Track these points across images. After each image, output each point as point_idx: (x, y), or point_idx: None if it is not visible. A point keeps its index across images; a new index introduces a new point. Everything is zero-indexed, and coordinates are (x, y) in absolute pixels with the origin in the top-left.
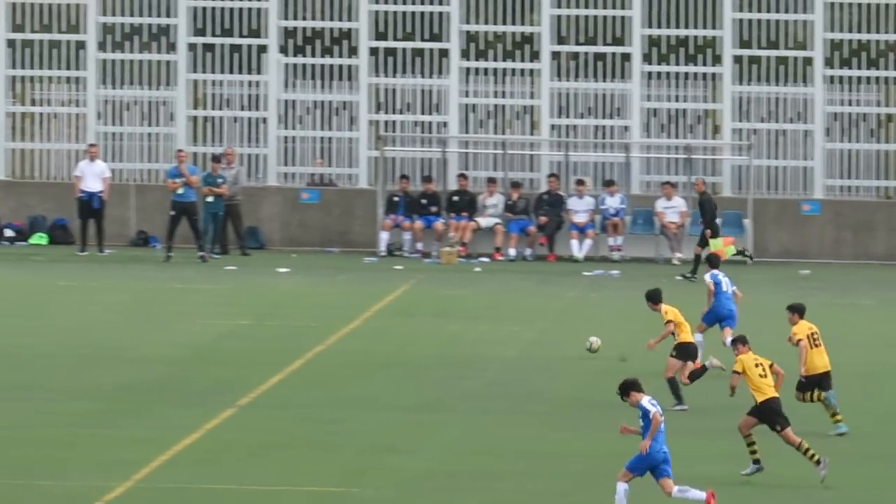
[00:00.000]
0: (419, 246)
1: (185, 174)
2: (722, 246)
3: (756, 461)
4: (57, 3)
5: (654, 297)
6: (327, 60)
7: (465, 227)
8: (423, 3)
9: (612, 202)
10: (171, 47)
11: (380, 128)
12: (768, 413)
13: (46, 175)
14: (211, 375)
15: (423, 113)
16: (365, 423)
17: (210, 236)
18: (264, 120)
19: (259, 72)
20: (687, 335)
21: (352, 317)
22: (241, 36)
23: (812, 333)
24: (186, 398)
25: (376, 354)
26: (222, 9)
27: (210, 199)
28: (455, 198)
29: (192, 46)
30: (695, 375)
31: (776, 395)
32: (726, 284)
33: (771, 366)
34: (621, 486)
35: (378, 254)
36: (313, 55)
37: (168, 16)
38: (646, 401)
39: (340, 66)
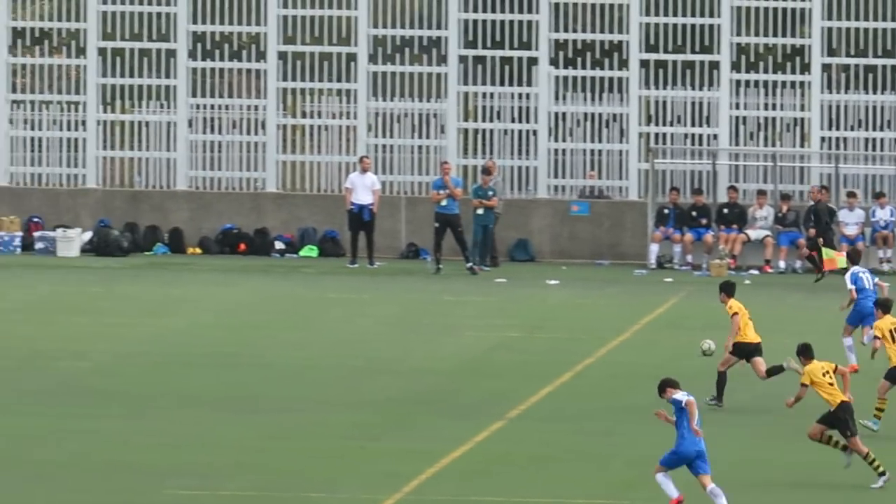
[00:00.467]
0: (689, 258)
1: (449, 186)
2: (835, 256)
3: (845, 447)
4: (328, 16)
5: (727, 290)
6: (598, 73)
7: (734, 239)
8: (693, 15)
9: (883, 214)
10: (442, 59)
11: (650, 140)
12: (840, 420)
13: (317, 187)
14: (481, 387)
15: (693, 125)
16: (634, 435)
17: (479, 248)
18: (534, 132)
19: (529, 84)
20: (748, 333)
21: (621, 329)
22: (511, 48)
23: (894, 328)
24: (456, 410)
25: (645, 366)
26: (493, 21)
27: (480, 211)
28: (725, 210)
29: (462, 59)
30: (772, 372)
31: (846, 399)
32: (867, 281)
33: (835, 370)
34: (659, 475)
35: (648, 266)
36: (583, 67)
37: (439, 28)
38: (679, 394)
39: (611, 79)
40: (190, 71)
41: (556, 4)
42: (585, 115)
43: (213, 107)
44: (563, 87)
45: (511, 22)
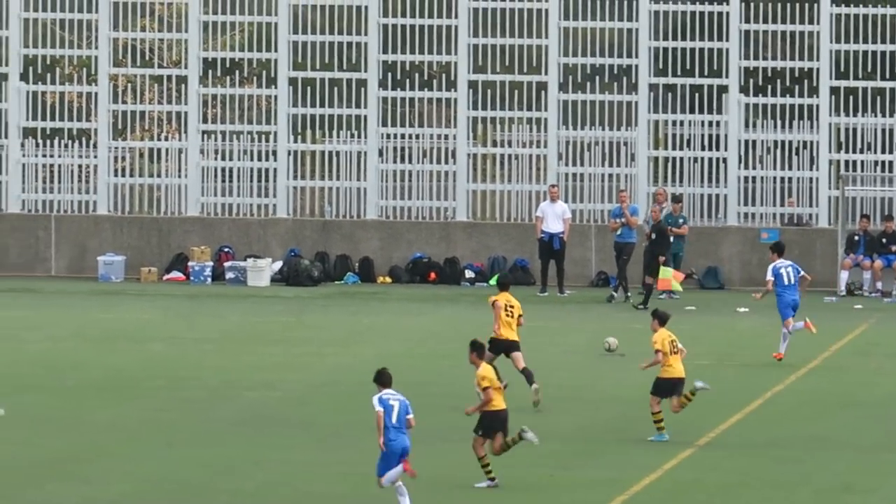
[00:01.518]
0: (878, 285)
1: (625, 214)
2: (671, 278)
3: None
4: (519, 45)
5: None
6: (787, 100)
7: None
8: (884, 42)
9: None
10: (633, 88)
11: (840, 167)
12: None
13: (507, 216)
14: (669, 415)
15: (884, 152)
16: (823, 463)
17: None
18: (724, 160)
19: (719, 111)
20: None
21: (810, 356)
22: (701, 76)
23: (672, 341)
24: (644, 438)
25: (834, 394)
26: (683, 49)
27: (670, 239)
28: None
29: (652, 87)
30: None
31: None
32: (786, 276)
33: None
34: None
35: (837, 293)
36: (773, 94)
37: (629, 56)
38: None
39: (801, 106)
40: (380, 100)
41: (747, 32)
42: (775, 142)
43: (403, 136)
44: (753, 115)
45: (701, 50)
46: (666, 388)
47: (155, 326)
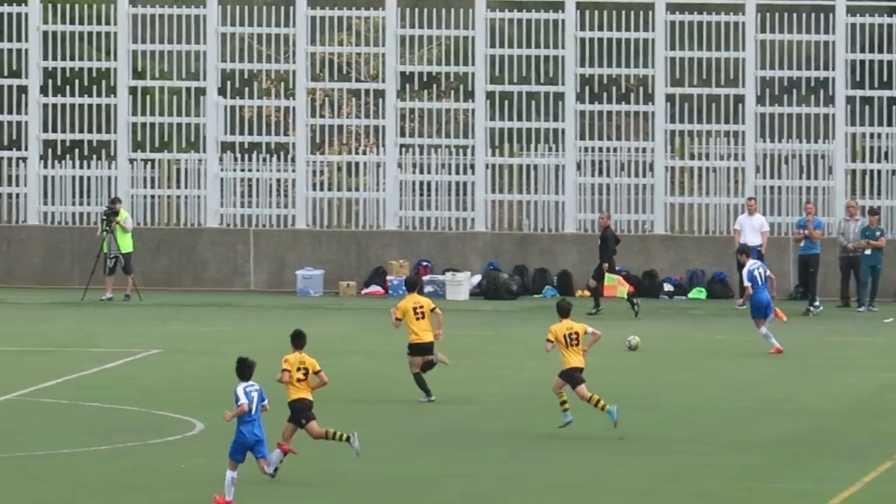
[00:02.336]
0: None
1: (808, 227)
2: (616, 284)
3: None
4: (716, 58)
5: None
6: None
7: None
8: None
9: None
10: (830, 100)
11: None
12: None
13: (705, 229)
14: (869, 428)
15: None
16: None
17: (869, 289)
18: None
19: None
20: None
21: None
22: None
23: (569, 334)
24: (844, 451)
25: None
26: (880, 62)
27: (868, 251)
28: None
29: (850, 99)
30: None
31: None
32: (760, 277)
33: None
34: None
35: None
36: None
37: (826, 69)
38: None
39: None
40: (578, 113)
41: None
42: None
43: (600, 149)
44: None
45: None
46: (566, 377)
47: (353, 340)
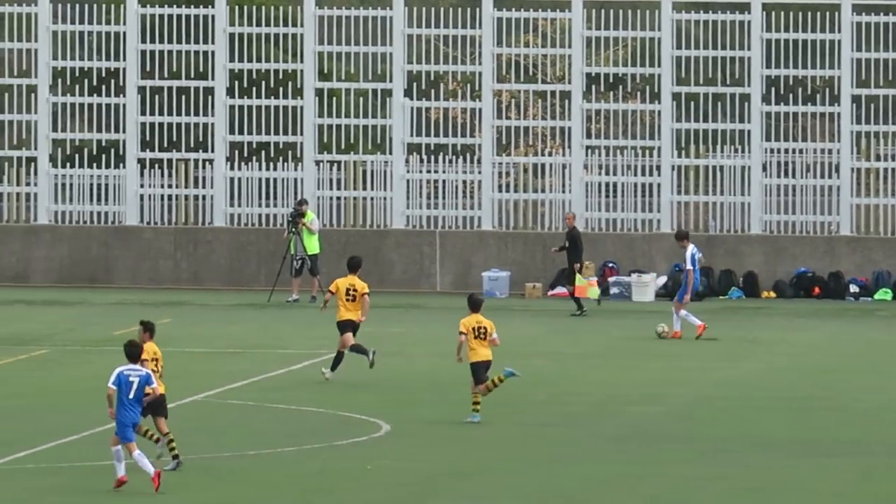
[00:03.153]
0: None
1: None
2: (587, 285)
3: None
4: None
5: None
6: None
7: None
8: None
9: None
10: None
11: None
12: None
13: (891, 230)
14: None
15: None
16: None
17: None
18: None
19: None
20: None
21: None
22: None
23: (477, 326)
24: None
25: None
26: None
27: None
28: None
29: None
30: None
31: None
32: (700, 261)
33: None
34: None
35: None
36: None
37: None
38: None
39: None
40: (764, 115)
41: None
42: None
43: (786, 151)
44: None
45: None
46: (473, 370)
47: (539, 342)
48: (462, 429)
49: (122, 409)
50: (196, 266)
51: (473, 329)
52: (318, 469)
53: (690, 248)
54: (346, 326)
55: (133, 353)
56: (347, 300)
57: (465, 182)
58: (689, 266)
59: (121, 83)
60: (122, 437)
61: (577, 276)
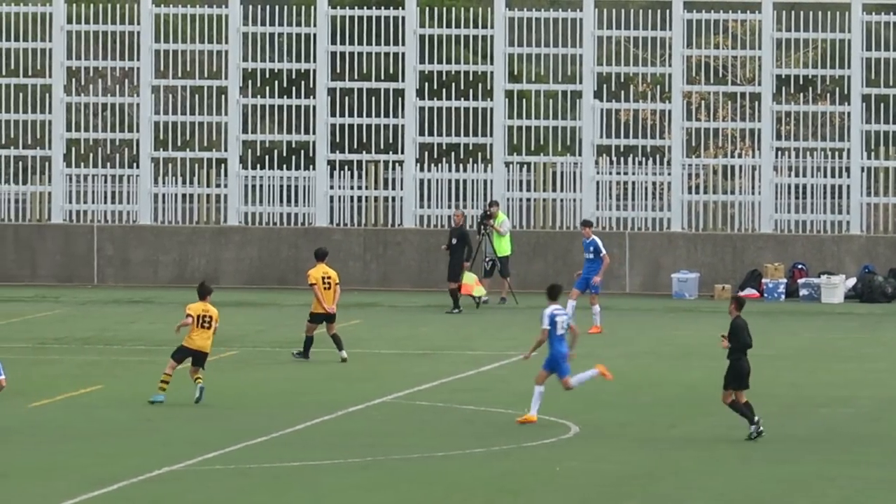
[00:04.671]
0: None
1: None
2: (473, 283)
3: None
4: None
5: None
6: None
7: None
8: None
9: None
10: None
11: None
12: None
13: None
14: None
15: None
16: None
17: None
18: None
19: None
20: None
21: None
22: None
23: (325, 276)
24: None
25: None
26: None
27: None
28: None
29: None
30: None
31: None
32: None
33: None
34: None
35: None
36: None
37: None
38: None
39: None
40: None
41: None
42: None
43: None
44: None
45: None
46: (184, 353)
47: None
48: (652, 430)
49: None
50: (385, 267)
51: (199, 317)
52: (507, 470)
53: (592, 237)
54: (321, 317)
55: None
56: (325, 289)
57: (654, 183)
58: (602, 252)
59: (311, 85)
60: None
61: (466, 273)
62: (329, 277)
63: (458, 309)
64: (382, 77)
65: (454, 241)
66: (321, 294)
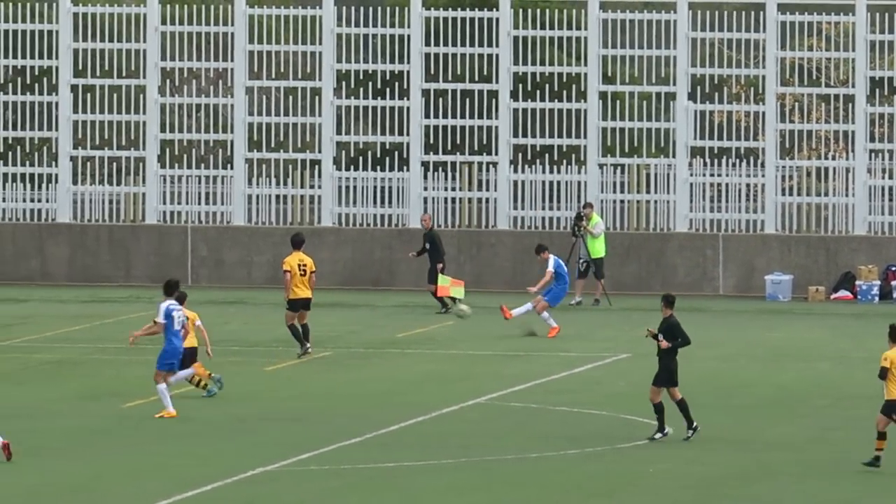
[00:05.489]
0: None
1: None
2: (450, 284)
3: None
4: None
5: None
6: None
7: None
8: None
9: None
10: None
11: None
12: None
13: None
14: None
15: None
16: None
17: None
18: None
19: None
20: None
21: None
22: None
23: (301, 264)
24: None
25: None
26: None
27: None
28: None
29: None
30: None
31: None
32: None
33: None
34: None
35: None
36: None
37: None
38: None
39: None
40: None
41: None
42: None
43: None
44: None
45: None
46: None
47: (822, 345)
48: (745, 432)
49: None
50: (479, 269)
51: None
52: (600, 472)
53: (552, 259)
54: (299, 305)
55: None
56: (301, 275)
57: (748, 185)
58: (550, 269)
59: (405, 86)
60: None
61: (440, 276)
62: (305, 265)
63: (444, 309)
64: (476, 79)
65: (426, 245)
66: (290, 282)
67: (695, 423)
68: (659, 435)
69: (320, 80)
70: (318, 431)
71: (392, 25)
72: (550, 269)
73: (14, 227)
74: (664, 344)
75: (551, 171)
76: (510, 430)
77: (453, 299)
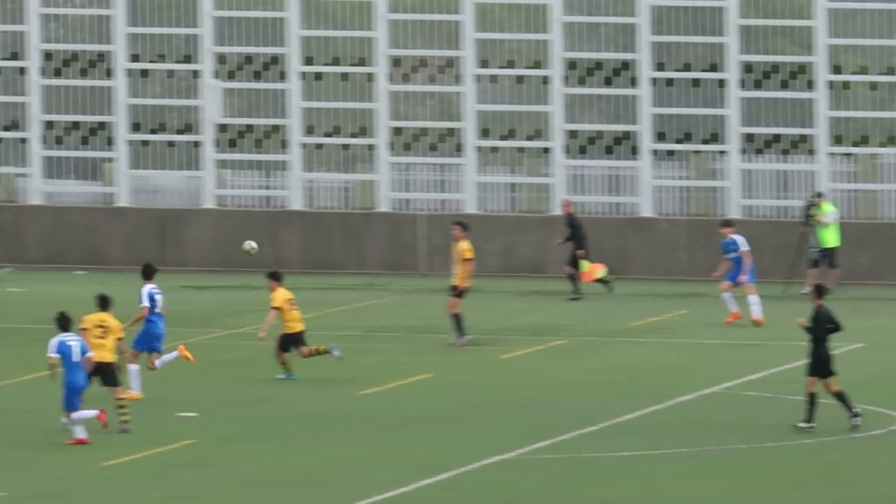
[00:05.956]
0: None
1: None
2: (590, 269)
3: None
4: None
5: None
6: None
7: None
8: None
9: None
10: None
11: None
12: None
13: None
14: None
15: None
16: None
17: None
18: None
19: None
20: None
21: None
22: None
23: (289, 300)
24: None
25: None
26: None
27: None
28: None
29: None
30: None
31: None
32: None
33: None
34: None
35: None
36: None
37: None
38: None
39: None
40: None
41: None
42: None
43: None
44: None
45: None
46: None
47: None
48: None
49: None
50: (712, 258)
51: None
52: (836, 461)
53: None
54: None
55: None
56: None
57: None
58: (744, 248)
59: (634, 75)
60: None
61: (581, 261)
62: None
63: (577, 295)
64: (705, 67)
65: (570, 232)
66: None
67: (854, 409)
68: (804, 425)
69: (550, 68)
70: (554, 420)
71: (619, 14)
72: (745, 248)
73: (247, 214)
74: (802, 322)
75: (782, 160)
76: (746, 420)
77: (604, 281)
